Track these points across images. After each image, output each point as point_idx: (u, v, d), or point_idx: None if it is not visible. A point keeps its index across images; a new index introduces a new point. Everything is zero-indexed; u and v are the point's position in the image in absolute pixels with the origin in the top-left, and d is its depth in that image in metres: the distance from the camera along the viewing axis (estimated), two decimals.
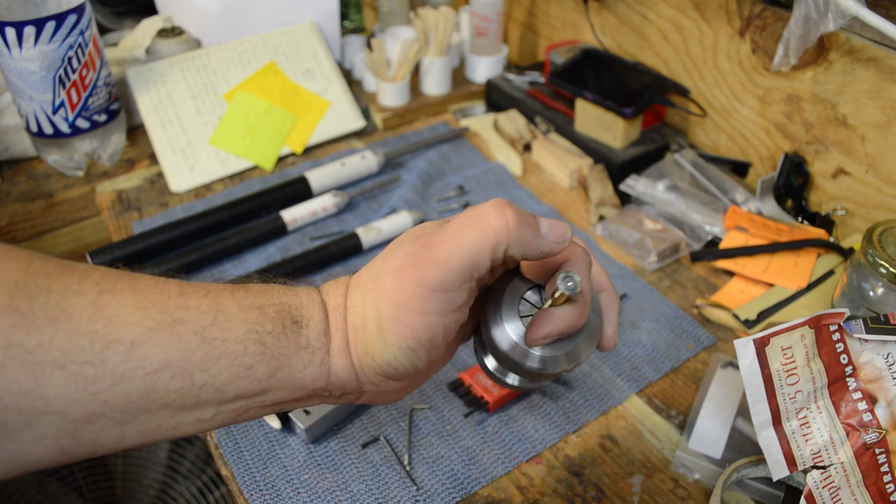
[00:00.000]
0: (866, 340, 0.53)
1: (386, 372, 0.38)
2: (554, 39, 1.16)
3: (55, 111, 0.89)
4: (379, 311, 0.38)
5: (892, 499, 0.52)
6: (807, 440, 0.53)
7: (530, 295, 0.41)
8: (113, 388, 0.32)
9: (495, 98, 1.10)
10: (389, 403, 0.44)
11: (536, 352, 0.40)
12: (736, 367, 0.67)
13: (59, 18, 0.83)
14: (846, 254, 0.78)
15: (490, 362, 0.44)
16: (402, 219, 0.84)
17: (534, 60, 1.22)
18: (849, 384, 0.53)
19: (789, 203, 0.85)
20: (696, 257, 0.81)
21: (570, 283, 0.37)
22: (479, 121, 1.07)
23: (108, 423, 0.33)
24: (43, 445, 0.32)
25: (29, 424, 0.31)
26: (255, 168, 0.98)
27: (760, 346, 0.51)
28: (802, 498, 0.53)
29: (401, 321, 0.37)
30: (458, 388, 0.66)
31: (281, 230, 0.85)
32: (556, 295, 0.38)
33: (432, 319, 0.37)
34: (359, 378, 0.39)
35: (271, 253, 0.83)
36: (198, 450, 1.23)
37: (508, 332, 0.40)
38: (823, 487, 0.52)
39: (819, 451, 0.53)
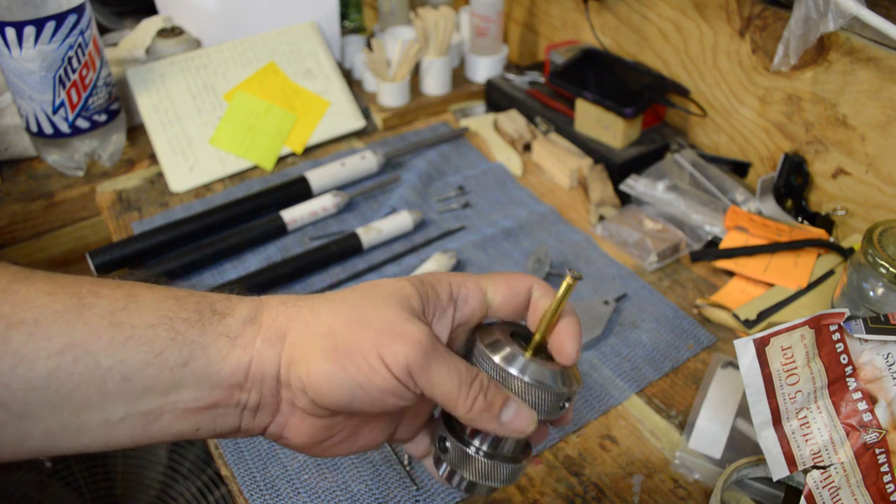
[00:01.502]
0: (866, 340, 0.53)
1: (314, 388, 0.35)
2: (554, 39, 1.16)
3: (55, 111, 0.89)
4: (335, 322, 0.36)
5: (892, 499, 0.52)
6: (807, 440, 0.53)
7: (513, 334, 0.41)
8: (14, 370, 0.31)
9: (495, 98, 1.10)
10: (298, 450, 0.39)
11: (545, 369, 0.39)
12: (736, 367, 0.67)
13: (59, 18, 0.83)
14: (846, 254, 0.78)
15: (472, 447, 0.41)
16: (402, 219, 0.84)
17: (534, 60, 1.22)
18: (849, 384, 0.53)
19: (789, 203, 0.85)
20: (696, 257, 0.81)
21: (573, 273, 0.38)
22: (479, 121, 1.07)
23: (9, 415, 0.32)
24: None
25: None
26: (255, 168, 0.98)
27: (760, 346, 0.51)
28: (802, 498, 0.53)
29: (362, 335, 0.35)
30: None
31: (281, 230, 0.85)
32: (568, 281, 0.38)
33: (397, 323, 0.36)
34: (280, 379, 0.36)
35: (271, 253, 0.83)
36: (198, 450, 1.23)
37: (516, 355, 0.39)
38: (823, 487, 0.52)
39: (819, 451, 0.53)
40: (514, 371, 0.38)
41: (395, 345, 0.35)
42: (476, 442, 0.41)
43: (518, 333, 0.41)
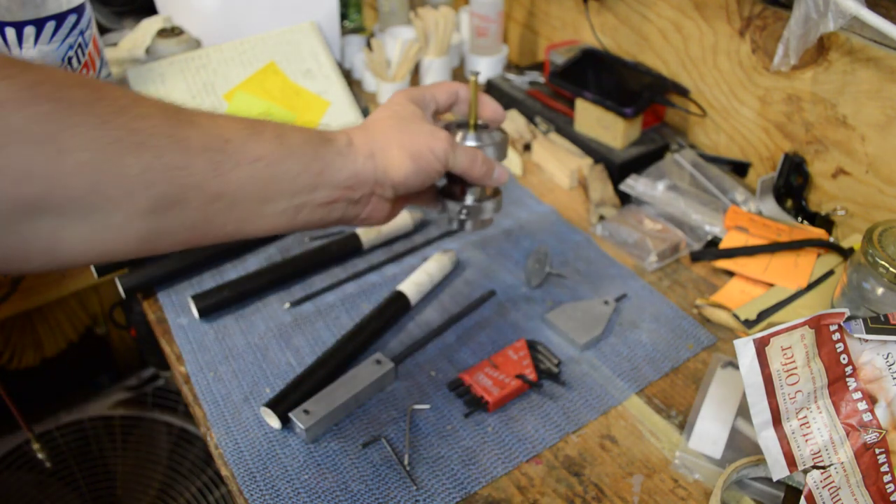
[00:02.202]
0: (866, 340, 0.53)
1: (403, 181, 0.55)
2: (554, 39, 1.16)
3: None
4: (401, 140, 0.56)
5: (892, 499, 0.52)
6: (807, 440, 0.53)
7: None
8: (232, 171, 0.45)
9: (495, 98, 1.10)
10: (378, 223, 0.59)
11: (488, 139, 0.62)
12: (736, 367, 0.67)
13: (59, 18, 0.83)
14: (846, 254, 0.78)
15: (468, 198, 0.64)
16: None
17: (534, 60, 1.22)
18: (849, 384, 0.53)
19: (789, 203, 0.85)
20: (696, 257, 0.81)
21: (473, 74, 0.61)
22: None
23: (223, 204, 0.46)
24: (184, 219, 0.45)
25: (181, 198, 0.44)
26: None
27: (760, 346, 0.51)
28: (802, 498, 0.53)
29: (414, 141, 0.56)
30: (458, 388, 0.66)
31: None
32: (472, 80, 0.60)
33: (429, 132, 0.56)
34: (376, 181, 0.54)
35: (271, 253, 0.83)
36: (198, 450, 1.23)
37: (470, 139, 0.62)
38: (823, 487, 0.52)
39: (819, 451, 0.53)
40: (472, 143, 0.61)
41: (438, 143, 0.56)
42: (468, 198, 0.63)
43: (459, 123, 0.63)
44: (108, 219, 0.41)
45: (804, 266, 0.77)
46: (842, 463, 0.52)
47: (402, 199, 0.60)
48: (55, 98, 0.39)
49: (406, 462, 0.60)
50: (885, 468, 0.52)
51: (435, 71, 1.09)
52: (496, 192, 0.66)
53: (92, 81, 0.42)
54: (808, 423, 0.53)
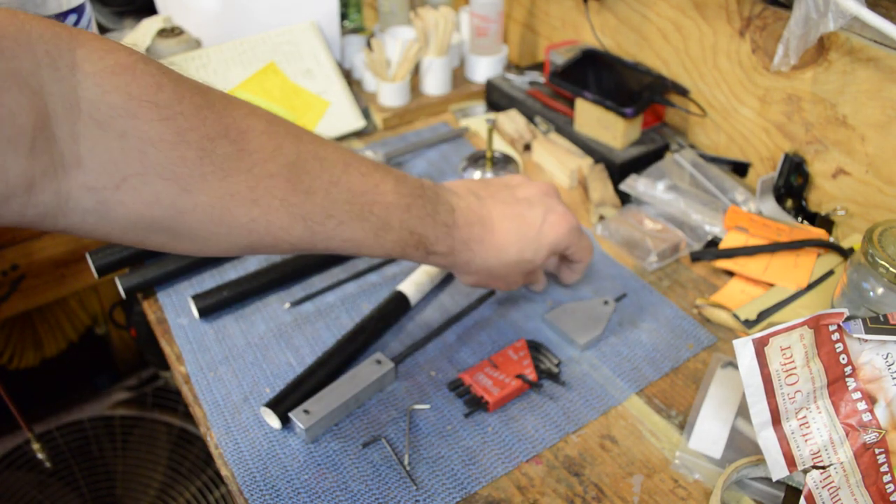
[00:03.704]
0: (866, 340, 0.53)
1: (481, 284, 0.66)
2: (554, 39, 1.16)
3: None
4: (493, 249, 0.63)
5: (892, 499, 0.52)
6: (806, 440, 0.53)
7: None
8: (323, 242, 0.52)
9: (495, 98, 1.10)
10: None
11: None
12: (736, 367, 0.67)
13: (59, 18, 0.83)
14: (846, 254, 0.78)
15: None
16: None
17: (534, 60, 1.22)
18: (848, 384, 0.53)
19: (789, 203, 0.85)
20: (696, 257, 0.81)
21: (488, 121, 0.84)
22: (479, 121, 1.07)
23: (314, 223, 0.51)
24: (271, 253, 0.52)
25: (275, 246, 0.51)
26: None
27: (759, 346, 0.51)
28: (802, 498, 0.53)
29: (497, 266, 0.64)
30: (458, 388, 0.66)
31: None
32: (489, 127, 0.84)
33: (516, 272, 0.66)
34: (457, 257, 0.61)
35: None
36: (198, 450, 1.23)
37: None
38: (823, 487, 0.52)
39: (819, 451, 0.53)
40: (490, 175, 0.81)
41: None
42: None
43: (476, 157, 0.84)
44: (209, 246, 0.48)
45: (804, 266, 0.77)
46: (841, 463, 0.52)
47: None
48: (198, 147, 0.44)
49: (406, 462, 0.60)
50: (884, 468, 0.52)
51: (435, 71, 1.09)
52: None
53: (241, 136, 0.46)
54: (807, 423, 0.53)
